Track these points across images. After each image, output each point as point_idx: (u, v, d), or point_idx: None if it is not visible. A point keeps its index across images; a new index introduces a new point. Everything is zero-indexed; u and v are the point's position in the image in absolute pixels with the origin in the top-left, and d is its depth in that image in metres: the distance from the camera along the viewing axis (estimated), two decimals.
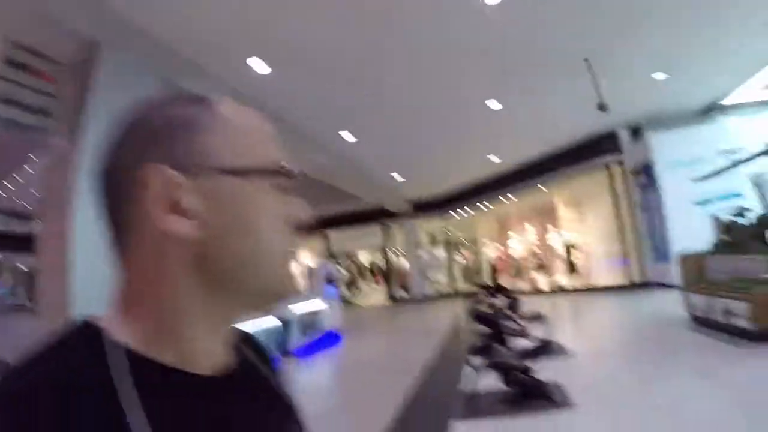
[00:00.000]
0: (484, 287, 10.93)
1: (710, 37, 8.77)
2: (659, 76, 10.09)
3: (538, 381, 5.46)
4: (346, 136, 10.90)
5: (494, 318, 6.13)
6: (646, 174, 13.29)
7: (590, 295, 14.75)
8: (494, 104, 10.16)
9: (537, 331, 8.32)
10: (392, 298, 22.31)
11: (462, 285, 20.98)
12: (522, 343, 7.68)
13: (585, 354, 7.76)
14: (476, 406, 5.50)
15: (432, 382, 7.15)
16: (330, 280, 13.70)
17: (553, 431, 4.71)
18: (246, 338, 0.79)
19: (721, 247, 8.22)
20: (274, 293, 0.64)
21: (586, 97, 9.03)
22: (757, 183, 7.01)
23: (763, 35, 9.17)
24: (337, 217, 21.43)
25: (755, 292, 6.34)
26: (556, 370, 6.37)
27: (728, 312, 6.83)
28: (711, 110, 13.54)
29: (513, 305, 9.32)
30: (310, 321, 11.59)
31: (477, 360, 5.84)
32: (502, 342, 6.04)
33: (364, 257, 27.60)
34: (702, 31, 8.36)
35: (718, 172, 9.35)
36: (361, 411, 6.32)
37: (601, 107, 8.61)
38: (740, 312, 6.53)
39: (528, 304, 11.33)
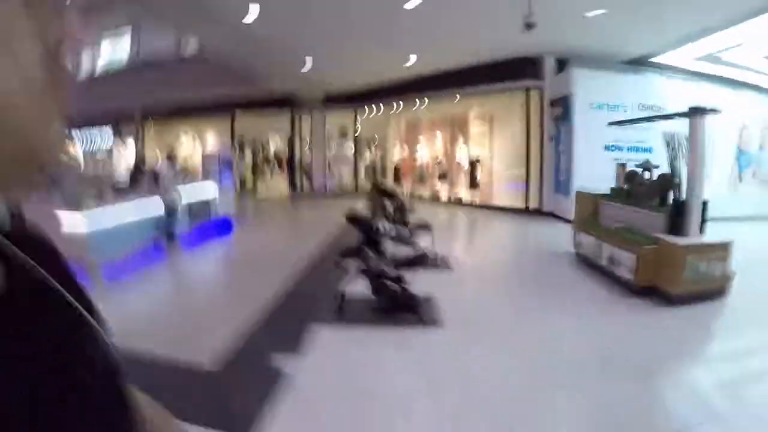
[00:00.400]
0: (377, 188, 10.52)
1: None
2: (596, 12, 9.85)
3: (408, 293, 5.43)
4: (254, 8, 9.81)
5: (368, 221, 5.85)
6: (563, 107, 13.37)
7: (486, 213, 15.09)
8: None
9: (423, 241, 8.38)
10: (295, 189, 21.83)
11: (366, 182, 20.72)
12: (405, 251, 7.73)
13: (466, 271, 7.97)
14: (343, 312, 5.45)
15: (308, 282, 7.13)
16: (226, 165, 13.11)
17: (413, 348, 4.73)
18: (18, 235, 0.49)
19: (619, 195, 8.43)
20: (19, 161, 0.39)
21: (517, 15, 8.56)
22: (669, 142, 7.08)
23: (709, 9, 9.42)
24: (245, 100, 20.43)
25: (644, 246, 6.56)
26: (432, 284, 6.49)
27: (613, 260, 7.11)
28: (640, 63, 13.65)
29: (401, 210, 8.98)
30: (200, 207, 11.14)
31: (349, 263, 5.72)
32: (377, 247, 5.84)
33: (272, 145, 26.60)
34: None
35: (633, 121, 9.47)
36: (231, 307, 6.14)
37: (528, 25, 8.24)
38: (625, 263, 6.79)
39: (422, 212, 11.38)
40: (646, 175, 7.88)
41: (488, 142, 16.36)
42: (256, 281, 7.34)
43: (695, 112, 6.70)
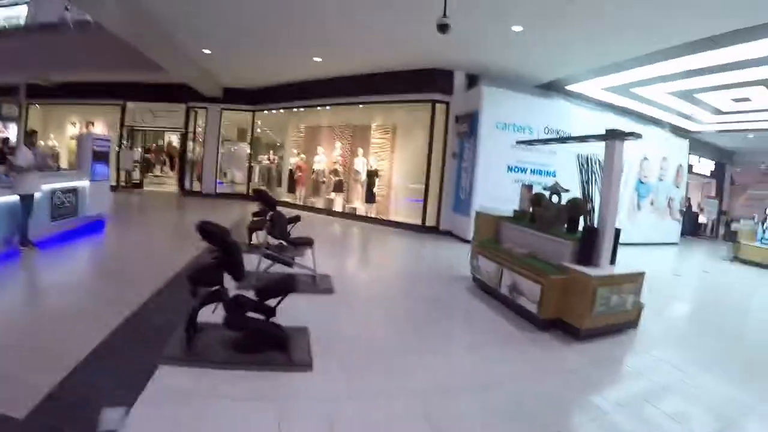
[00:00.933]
0: (256, 192, 8.88)
1: (586, 30, 9.16)
2: (519, 28, 9.48)
3: (275, 326, 4.41)
4: None
5: (225, 235, 4.46)
6: (469, 124, 12.90)
7: (381, 228, 14.27)
8: None
9: (304, 259, 7.31)
10: (183, 189, 20.15)
11: (260, 187, 19.38)
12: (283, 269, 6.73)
13: (351, 295, 6.97)
14: (195, 348, 4.28)
15: (167, 304, 5.78)
16: (100, 156, 11.47)
17: (273, 400, 3.68)
18: None
19: (523, 218, 7.85)
20: None
21: (431, 21, 7.87)
22: (584, 165, 6.52)
23: (622, 47, 9.89)
24: (138, 87, 18.80)
25: (550, 276, 5.89)
26: (308, 312, 5.55)
27: (516, 289, 6.41)
28: (551, 89, 13.59)
29: (279, 223, 7.48)
30: (65, 204, 9.61)
31: (202, 288, 4.43)
32: (236, 268, 4.60)
33: (165, 139, 24.51)
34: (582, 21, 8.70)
35: (543, 141, 9.03)
36: (69, 332, 4.70)
37: (442, 27, 7.54)
38: (529, 293, 6.10)
39: (313, 224, 10.33)
40: (555, 198, 7.30)
41: (389, 155, 15.57)
42: (110, 299, 5.85)
43: (613, 136, 6.16)
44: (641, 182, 15.79)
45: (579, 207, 6.59)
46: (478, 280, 7.75)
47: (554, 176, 12.58)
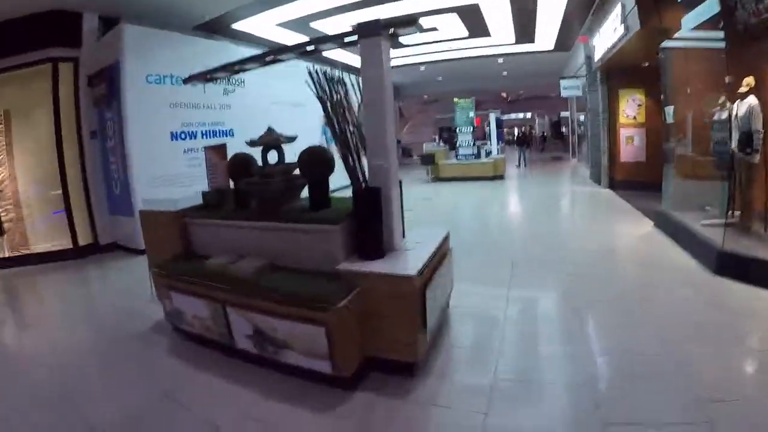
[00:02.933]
0: None
1: None
2: None
3: None
4: None
5: None
6: (107, 83, 9.00)
7: (21, 273, 8.55)
8: None
9: None
10: None
11: None
12: None
13: None
14: None
15: None
16: None
17: None
18: None
19: (223, 202, 4.82)
20: None
21: None
22: (326, 87, 3.79)
23: None
24: None
25: (334, 305, 3.06)
26: None
27: (270, 341, 3.44)
28: (216, 30, 11.09)
29: None
30: None
31: None
32: None
33: None
34: None
35: (233, 66, 5.55)
36: None
37: None
38: (302, 344, 3.23)
39: None
40: (273, 157, 4.34)
41: (6, 155, 10.41)
42: None
43: (372, 30, 3.58)
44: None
45: (325, 161, 3.82)
46: (184, 332, 4.39)
47: (232, 136, 9.98)
